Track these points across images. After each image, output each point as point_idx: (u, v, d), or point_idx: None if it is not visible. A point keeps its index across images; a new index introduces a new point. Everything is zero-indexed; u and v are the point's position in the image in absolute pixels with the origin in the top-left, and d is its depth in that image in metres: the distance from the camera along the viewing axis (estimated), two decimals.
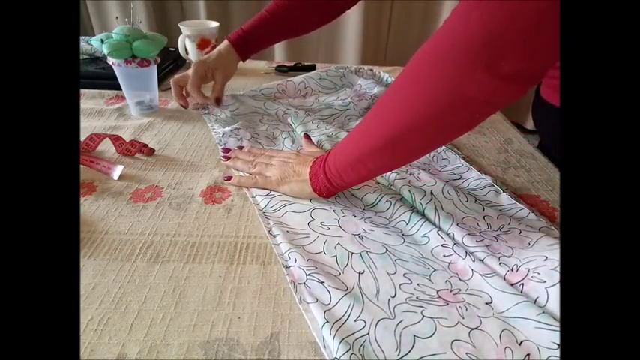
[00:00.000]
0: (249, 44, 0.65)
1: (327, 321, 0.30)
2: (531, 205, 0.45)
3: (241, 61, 0.67)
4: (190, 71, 0.63)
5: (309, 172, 0.43)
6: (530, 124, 1.90)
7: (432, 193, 0.43)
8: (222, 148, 0.55)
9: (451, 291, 0.34)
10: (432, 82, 0.31)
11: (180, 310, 0.32)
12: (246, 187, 0.47)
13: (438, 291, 0.34)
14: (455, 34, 0.29)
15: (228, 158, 0.53)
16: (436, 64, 0.31)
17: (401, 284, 0.34)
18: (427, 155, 0.55)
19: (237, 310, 0.33)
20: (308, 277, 0.34)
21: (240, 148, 0.54)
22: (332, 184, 0.41)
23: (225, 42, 0.65)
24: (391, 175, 0.47)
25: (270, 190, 0.46)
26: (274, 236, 0.39)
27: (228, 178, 0.49)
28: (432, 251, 0.38)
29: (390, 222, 0.42)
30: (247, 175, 0.49)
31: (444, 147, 0.56)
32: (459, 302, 0.33)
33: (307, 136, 0.55)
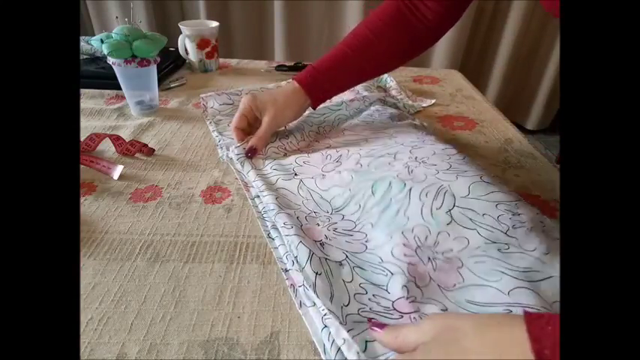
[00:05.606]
0: (321, 84, 0.53)
1: (326, 326, 0.30)
2: (531, 205, 0.45)
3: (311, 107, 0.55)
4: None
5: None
6: (530, 124, 1.90)
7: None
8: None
9: (407, 299, 0.32)
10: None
11: (180, 310, 0.32)
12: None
13: (393, 302, 0.32)
14: None
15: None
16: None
17: (355, 294, 0.33)
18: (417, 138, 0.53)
19: (237, 310, 0.33)
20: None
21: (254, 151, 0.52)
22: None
23: (291, 81, 0.53)
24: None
25: (268, 190, 0.46)
26: (273, 239, 0.39)
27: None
28: (391, 252, 0.36)
29: (356, 225, 0.41)
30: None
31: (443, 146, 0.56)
32: (413, 312, 0.31)
33: None
